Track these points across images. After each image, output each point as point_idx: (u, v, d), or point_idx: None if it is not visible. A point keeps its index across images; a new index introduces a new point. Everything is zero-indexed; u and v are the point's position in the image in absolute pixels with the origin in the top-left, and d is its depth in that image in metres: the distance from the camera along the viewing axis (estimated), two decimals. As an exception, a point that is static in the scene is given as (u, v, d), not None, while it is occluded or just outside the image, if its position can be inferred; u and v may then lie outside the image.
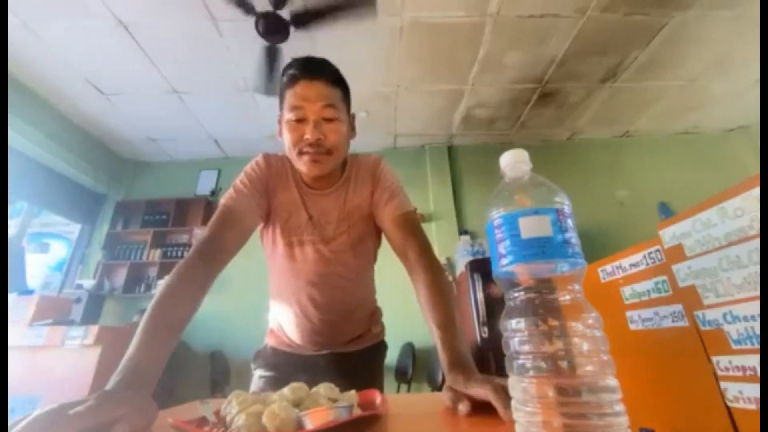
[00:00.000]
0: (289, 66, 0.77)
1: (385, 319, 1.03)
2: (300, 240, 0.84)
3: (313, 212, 0.84)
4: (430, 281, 0.71)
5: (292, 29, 2.08)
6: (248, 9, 1.98)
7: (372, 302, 1.00)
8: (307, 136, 0.73)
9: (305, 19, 2.06)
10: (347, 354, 0.90)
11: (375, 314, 1.00)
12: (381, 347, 0.99)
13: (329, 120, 0.75)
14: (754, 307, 1.02)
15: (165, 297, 0.60)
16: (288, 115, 0.75)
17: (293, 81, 0.75)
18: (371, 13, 2.03)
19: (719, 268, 1.13)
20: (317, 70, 0.76)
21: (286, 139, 0.77)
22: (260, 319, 1.09)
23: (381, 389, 0.91)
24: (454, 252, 3.09)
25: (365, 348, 0.94)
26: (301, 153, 0.75)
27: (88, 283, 3.06)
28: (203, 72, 2.68)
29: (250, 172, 0.83)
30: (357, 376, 0.79)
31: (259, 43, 2.15)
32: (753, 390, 1.01)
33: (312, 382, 0.53)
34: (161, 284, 0.63)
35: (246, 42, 2.25)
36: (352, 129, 0.84)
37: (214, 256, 0.70)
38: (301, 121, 0.74)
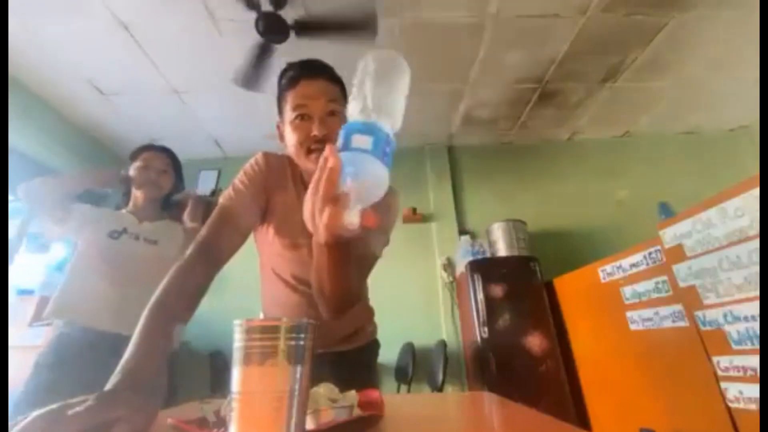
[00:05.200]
0: (287, 69, 0.77)
1: (386, 320, 1.04)
2: (296, 243, 0.84)
3: None
4: None
5: (292, 34, 2.09)
6: (251, 4, 1.98)
7: (365, 300, 1.00)
8: (315, 132, 0.73)
9: (307, 29, 2.07)
10: (343, 353, 0.91)
11: (368, 312, 1.00)
12: (374, 346, 1.01)
13: (334, 114, 0.75)
14: (755, 307, 1.02)
15: (164, 297, 0.60)
16: (291, 115, 0.75)
17: (294, 82, 0.75)
18: (370, 39, 2.04)
19: (719, 268, 1.13)
20: (317, 68, 0.76)
21: (291, 139, 0.76)
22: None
23: (377, 388, 0.92)
24: (454, 252, 3.09)
25: (360, 347, 0.95)
26: (309, 151, 0.75)
27: (89, 283, 3.04)
28: (203, 72, 2.67)
29: (249, 171, 0.82)
30: (353, 375, 0.79)
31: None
32: (753, 390, 1.01)
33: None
34: (160, 284, 0.63)
35: (246, 42, 2.24)
36: None
37: (212, 256, 0.70)
38: (305, 119, 0.74)
